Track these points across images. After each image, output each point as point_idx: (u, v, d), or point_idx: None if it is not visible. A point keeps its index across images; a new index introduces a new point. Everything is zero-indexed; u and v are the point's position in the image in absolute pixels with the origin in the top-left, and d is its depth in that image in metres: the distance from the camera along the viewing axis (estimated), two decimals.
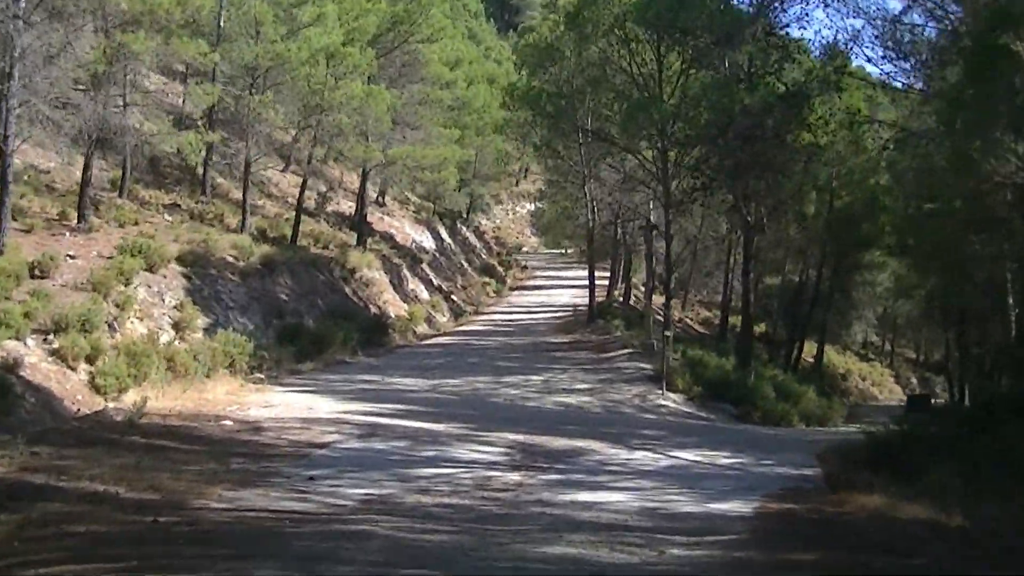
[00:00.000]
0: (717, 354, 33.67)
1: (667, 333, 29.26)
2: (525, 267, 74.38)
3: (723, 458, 17.15)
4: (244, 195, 36.38)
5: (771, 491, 13.97)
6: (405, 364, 31.78)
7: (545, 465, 15.56)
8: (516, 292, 62.96)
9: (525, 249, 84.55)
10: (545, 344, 38.49)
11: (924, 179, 34.24)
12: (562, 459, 16.29)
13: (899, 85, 29.25)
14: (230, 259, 31.96)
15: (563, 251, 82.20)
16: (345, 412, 19.85)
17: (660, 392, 27.51)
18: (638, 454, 17.36)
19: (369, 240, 46.78)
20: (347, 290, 39.26)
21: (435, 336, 41.74)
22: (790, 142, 31.08)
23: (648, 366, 30.81)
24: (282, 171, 49.75)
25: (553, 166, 45.94)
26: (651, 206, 39.64)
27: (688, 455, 17.35)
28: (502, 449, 16.84)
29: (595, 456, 16.78)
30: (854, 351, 75.82)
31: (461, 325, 46.70)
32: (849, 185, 45.14)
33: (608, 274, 52.46)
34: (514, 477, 14.39)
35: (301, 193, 40.36)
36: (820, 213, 46.32)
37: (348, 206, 50.44)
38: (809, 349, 54.74)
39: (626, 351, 34.22)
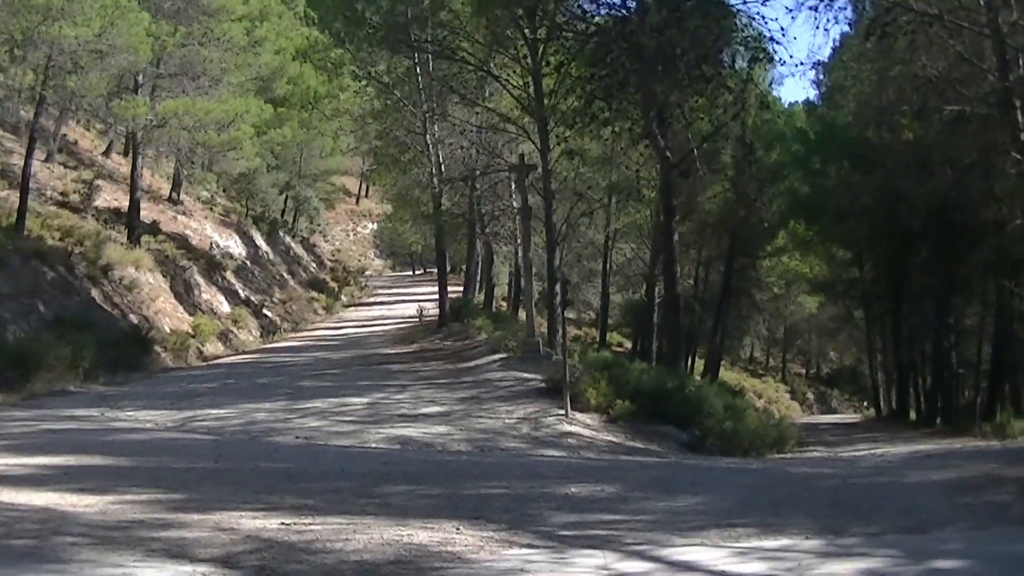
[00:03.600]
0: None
1: (564, 318, 18.24)
2: (365, 286, 64.09)
3: (822, 564, 6.15)
4: None
5: None
6: (160, 391, 21.05)
7: None
8: (352, 308, 52.75)
9: (369, 272, 74.86)
10: (378, 356, 27.45)
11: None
12: None
13: None
14: None
15: (412, 271, 73.00)
16: None
17: (562, 412, 16.61)
18: (583, 567, 6.21)
19: (150, 239, 35.32)
20: (94, 293, 28.06)
21: (231, 356, 30.63)
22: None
23: (535, 376, 19.99)
24: (44, 161, 38.02)
25: (383, 110, 34.23)
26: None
27: (728, 561, 6.27)
28: None
29: None
30: (741, 366, 68.16)
31: (272, 342, 35.59)
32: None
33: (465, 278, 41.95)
34: None
35: (27, 157, 28.40)
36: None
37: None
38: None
39: (498, 357, 23.42)
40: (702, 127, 22.35)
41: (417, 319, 35.90)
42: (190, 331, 31.07)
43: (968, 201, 27.49)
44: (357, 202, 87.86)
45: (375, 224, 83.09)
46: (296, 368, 25.02)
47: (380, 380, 21.73)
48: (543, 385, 18.91)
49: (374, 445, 14.09)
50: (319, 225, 72.58)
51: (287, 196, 59.57)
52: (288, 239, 59.16)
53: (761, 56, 20.27)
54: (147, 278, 31.97)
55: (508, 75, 25.80)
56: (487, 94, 29.64)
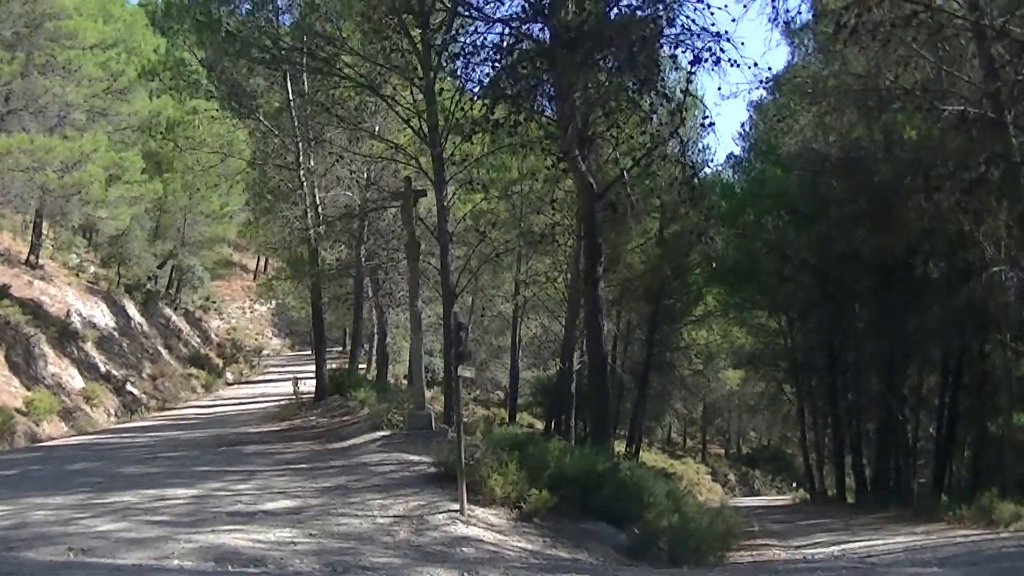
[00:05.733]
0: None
1: (461, 376, 13.63)
2: (256, 364, 59.65)
3: None
4: None
5: None
6: None
7: None
8: (237, 386, 48.19)
9: (266, 352, 69.81)
10: (235, 436, 22.58)
11: None
12: None
13: None
14: None
15: (311, 351, 68.39)
16: None
17: (456, 508, 12.08)
18: None
19: None
20: None
21: (72, 437, 25.89)
22: None
23: (423, 458, 15.46)
24: None
25: (248, 139, 29.63)
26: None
27: None
28: None
29: None
30: (659, 447, 64.88)
31: (129, 422, 30.71)
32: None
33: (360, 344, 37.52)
34: None
35: None
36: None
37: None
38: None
39: (379, 435, 18.81)
40: (632, 146, 18.08)
41: (294, 393, 31.00)
42: (22, 408, 26.10)
43: (944, 241, 24.11)
44: (255, 278, 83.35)
45: (273, 301, 78.61)
46: (130, 451, 20.15)
47: (224, 465, 16.94)
48: (433, 470, 14.36)
49: (176, 563, 9.47)
50: (214, 302, 67.96)
51: (172, 266, 54.85)
52: (169, 311, 54.02)
53: (706, 56, 16.06)
54: None
55: (396, 91, 21.36)
56: (372, 116, 25.17)
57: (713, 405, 66.95)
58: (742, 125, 47.48)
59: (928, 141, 21.45)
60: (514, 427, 24.39)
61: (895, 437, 30.59)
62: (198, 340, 56.37)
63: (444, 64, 19.01)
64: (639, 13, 16.14)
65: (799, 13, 23.72)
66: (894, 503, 28.22)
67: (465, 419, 16.30)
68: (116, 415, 32.47)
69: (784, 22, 18.20)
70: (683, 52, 16.48)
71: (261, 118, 27.14)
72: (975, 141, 16.09)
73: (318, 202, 27.05)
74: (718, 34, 16.07)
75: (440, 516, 11.84)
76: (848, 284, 31.51)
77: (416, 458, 15.69)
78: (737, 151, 42.94)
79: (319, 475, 15.22)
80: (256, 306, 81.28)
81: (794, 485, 54.21)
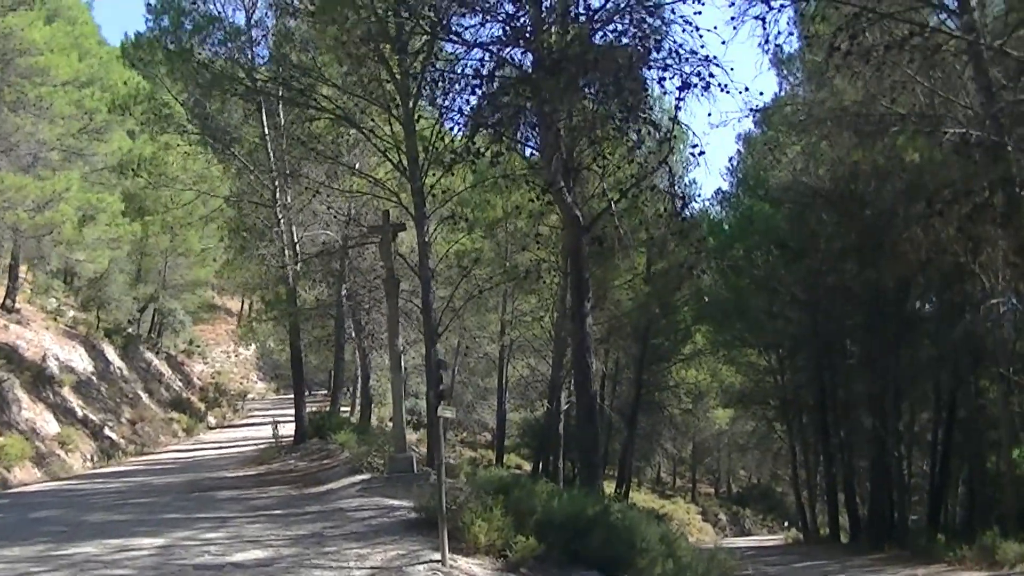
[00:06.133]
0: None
1: (442, 416, 12.87)
2: (239, 408, 59.50)
3: None
4: None
5: None
6: None
7: None
8: (219, 430, 47.39)
9: (251, 396, 68.65)
10: (210, 481, 21.80)
11: None
12: None
13: None
14: None
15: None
16: None
17: (438, 560, 11.31)
18: None
19: None
20: None
21: (44, 483, 25.15)
22: None
23: (404, 503, 14.71)
24: None
25: (222, 175, 28.94)
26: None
27: None
28: None
29: None
30: (648, 487, 64.02)
31: (106, 467, 30.07)
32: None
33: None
34: None
35: None
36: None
37: None
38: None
39: (359, 479, 18.08)
40: (619, 178, 17.53)
41: (274, 437, 30.16)
42: None
43: (939, 273, 23.63)
44: (239, 322, 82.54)
45: (257, 344, 77.72)
46: (99, 497, 19.38)
47: (195, 512, 16.15)
48: (414, 515, 13.60)
49: None
50: (197, 346, 67.16)
51: (155, 310, 54.13)
52: (150, 355, 53.17)
53: (696, 81, 15.45)
54: None
55: (374, 123, 20.64)
56: (350, 150, 24.54)
57: (703, 444, 66.22)
58: (730, 160, 47.22)
59: (930, 165, 20.89)
60: (500, 469, 23.66)
61: (889, 474, 29.93)
62: (180, 384, 55.51)
63: (423, 91, 18.45)
64: (624, 37, 15.57)
65: (790, 34, 23.52)
66: (890, 543, 27.57)
67: (450, 461, 15.57)
68: (93, 460, 31.69)
69: (775, 45, 17.56)
70: (671, 77, 15.88)
71: (236, 153, 26.49)
72: (978, 165, 15.58)
73: (296, 239, 26.39)
74: (707, 58, 15.46)
75: (420, 568, 11.06)
76: (839, 319, 31.02)
77: (396, 503, 14.95)
78: (725, 186, 42.57)
79: (294, 522, 14.46)
80: (240, 350, 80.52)
81: (785, 524, 53.45)
